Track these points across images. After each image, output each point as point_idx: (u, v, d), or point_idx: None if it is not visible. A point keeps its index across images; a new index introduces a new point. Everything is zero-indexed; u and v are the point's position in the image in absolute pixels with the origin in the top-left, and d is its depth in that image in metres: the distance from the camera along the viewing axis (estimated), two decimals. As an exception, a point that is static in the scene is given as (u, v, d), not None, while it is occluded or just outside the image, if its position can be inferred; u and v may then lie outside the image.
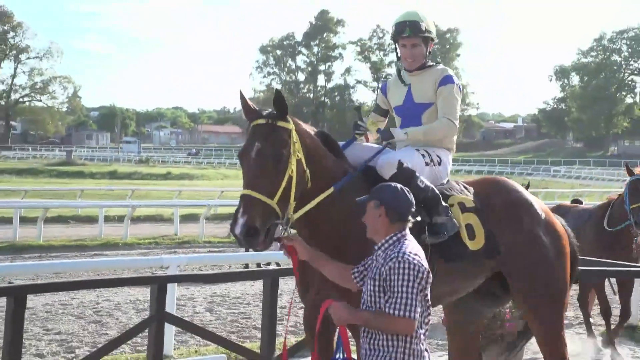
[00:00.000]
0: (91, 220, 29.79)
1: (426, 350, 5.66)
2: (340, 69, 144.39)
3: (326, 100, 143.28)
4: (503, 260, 7.09)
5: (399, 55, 7.37)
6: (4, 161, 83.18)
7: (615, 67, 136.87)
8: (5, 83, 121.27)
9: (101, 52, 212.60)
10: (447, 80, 7.24)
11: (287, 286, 15.36)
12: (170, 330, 10.42)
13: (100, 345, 9.46)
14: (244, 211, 5.88)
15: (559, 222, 7.63)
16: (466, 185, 7.22)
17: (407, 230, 5.77)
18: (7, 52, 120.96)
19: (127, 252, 24.58)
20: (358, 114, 7.28)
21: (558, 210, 13.61)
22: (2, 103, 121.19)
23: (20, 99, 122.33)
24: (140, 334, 9.41)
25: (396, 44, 7.37)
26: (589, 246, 11.93)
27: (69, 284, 11.86)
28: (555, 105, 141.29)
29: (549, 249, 7.26)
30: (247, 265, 16.64)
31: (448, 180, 7.28)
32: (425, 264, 5.59)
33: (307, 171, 6.22)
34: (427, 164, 6.99)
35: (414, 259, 5.51)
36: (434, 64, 7.44)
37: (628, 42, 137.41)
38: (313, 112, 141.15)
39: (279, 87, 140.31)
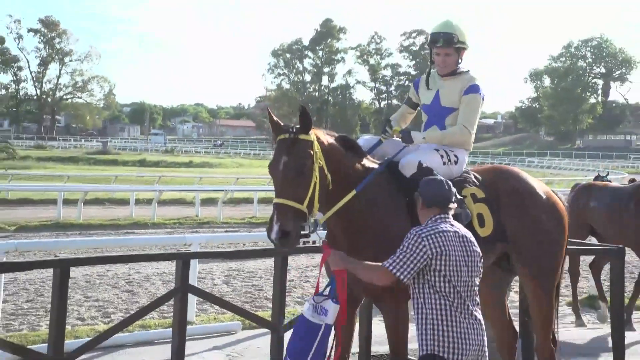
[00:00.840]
0: (124, 202, 29.84)
1: (464, 315, 5.64)
2: (342, 71, 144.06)
3: (329, 98, 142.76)
4: (510, 244, 7.15)
5: (433, 60, 7.30)
6: (50, 150, 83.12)
7: (580, 72, 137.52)
8: (51, 82, 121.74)
9: (133, 52, 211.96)
10: (472, 89, 7.18)
11: (294, 263, 15.43)
12: (192, 300, 10.45)
13: (132, 312, 9.48)
14: (278, 218, 5.92)
15: (560, 202, 7.65)
16: (476, 175, 7.22)
17: (448, 215, 5.87)
18: (54, 56, 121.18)
19: (155, 231, 24.71)
20: (388, 124, 7.21)
21: (590, 189, 13.66)
22: (49, 100, 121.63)
23: (64, 97, 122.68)
24: (166, 303, 9.42)
25: (431, 50, 7.30)
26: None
27: (106, 258, 11.95)
28: (529, 104, 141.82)
29: (553, 231, 7.33)
30: None
31: (462, 173, 7.24)
32: (438, 241, 5.59)
33: (329, 176, 6.23)
34: (444, 163, 6.97)
35: (424, 231, 5.64)
36: (465, 70, 7.30)
37: (591, 50, 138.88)
38: (318, 109, 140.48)
39: (287, 86, 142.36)
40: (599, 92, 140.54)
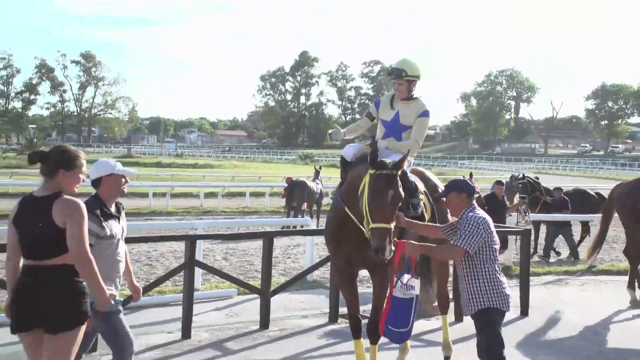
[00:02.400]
0: (144, 195, 29.66)
1: (501, 276, 6.12)
2: (316, 92, 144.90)
3: (306, 113, 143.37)
4: (437, 220, 7.35)
5: (394, 87, 7.39)
6: (87, 155, 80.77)
7: (498, 95, 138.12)
8: (88, 102, 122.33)
9: (149, 76, 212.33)
10: (424, 114, 7.32)
11: (278, 243, 15.38)
12: (198, 272, 10.39)
13: (151, 281, 9.43)
14: (389, 240, 5.77)
15: None
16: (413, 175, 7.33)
17: (475, 203, 6.22)
18: (90, 81, 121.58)
19: (168, 218, 24.55)
20: (374, 145, 6.92)
21: None
22: (86, 115, 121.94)
23: (97, 113, 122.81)
24: (177, 274, 9.36)
25: (389, 77, 7.48)
26: None
27: (130, 239, 11.83)
28: (461, 119, 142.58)
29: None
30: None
31: None
32: (488, 223, 6.00)
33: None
34: (407, 166, 6.97)
35: (477, 217, 5.99)
36: (417, 97, 7.40)
37: (506, 78, 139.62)
38: (296, 122, 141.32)
39: (272, 104, 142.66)
40: (512, 110, 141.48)
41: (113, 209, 5.73)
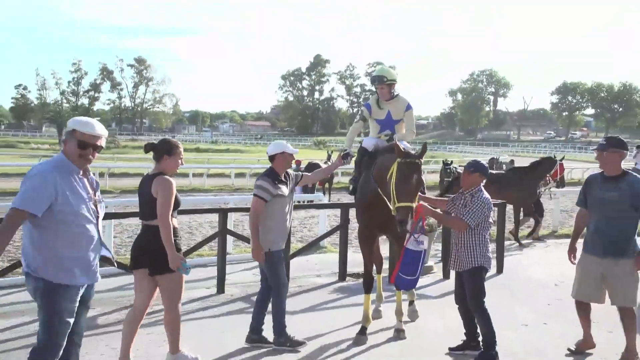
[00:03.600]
0: (185, 175, 29.67)
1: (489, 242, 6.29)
2: (328, 88, 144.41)
3: (319, 106, 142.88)
4: None
5: (377, 92, 7.53)
6: (140, 142, 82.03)
7: (480, 90, 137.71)
8: (140, 98, 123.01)
9: (189, 75, 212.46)
10: (409, 107, 7.47)
11: (297, 215, 15.25)
12: (230, 239, 10.45)
13: (192, 246, 9.41)
14: (411, 215, 6.00)
15: None
16: None
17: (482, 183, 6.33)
18: (142, 81, 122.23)
19: (205, 194, 24.54)
20: (390, 138, 7.27)
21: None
22: (138, 109, 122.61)
23: (147, 107, 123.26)
24: (213, 241, 9.35)
25: (373, 85, 7.59)
26: None
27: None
28: (449, 111, 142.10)
29: None
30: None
31: None
32: (491, 203, 6.25)
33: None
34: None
35: (485, 198, 6.17)
36: (397, 94, 7.48)
37: (486, 77, 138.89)
38: (311, 114, 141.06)
39: (291, 99, 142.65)
40: (491, 103, 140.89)
41: (283, 177, 6.48)
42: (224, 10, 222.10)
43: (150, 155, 5.71)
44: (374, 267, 7.65)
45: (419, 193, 6.36)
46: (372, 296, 7.30)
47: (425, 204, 6.34)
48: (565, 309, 8.00)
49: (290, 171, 6.67)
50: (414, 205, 6.05)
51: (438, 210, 6.53)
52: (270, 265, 6.33)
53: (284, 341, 6.33)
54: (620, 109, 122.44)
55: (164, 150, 5.68)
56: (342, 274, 9.71)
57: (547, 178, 14.76)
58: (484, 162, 6.48)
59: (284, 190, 6.38)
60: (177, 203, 5.65)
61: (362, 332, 6.81)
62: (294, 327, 6.66)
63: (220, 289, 8.66)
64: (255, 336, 6.44)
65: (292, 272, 9.30)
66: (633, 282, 6.06)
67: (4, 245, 4.20)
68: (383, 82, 7.39)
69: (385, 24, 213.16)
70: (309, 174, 7.39)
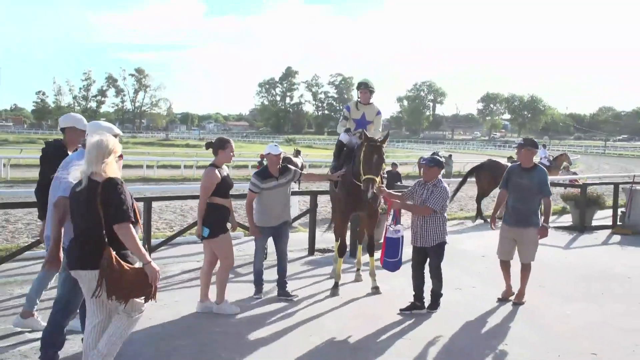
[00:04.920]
0: (177, 167, 29.37)
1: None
2: (297, 94, 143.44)
3: (290, 110, 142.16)
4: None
5: (359, 95, 7.72)
6: (139, 139, 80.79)
7: (421, 98, 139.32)
8: (139, 102, 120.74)
9: (182, 81, 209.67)
10: (379, 113, 7.79)
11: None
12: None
13: (185, 226, 9.29)
14: (372, 185, 6.35)
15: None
16: None
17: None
18: (141, 87, 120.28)
19: (194, 183, 24.18)
20: (360, 135, 7.23)
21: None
22: (137, 112, 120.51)
23: (145, 110, 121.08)
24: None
25: (358, 90, 7.75)
26: None
27: (167, 197, 11.76)
28: (398, 115, 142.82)
29: None
30: None
31: None
32: (448, 191, 6.47)
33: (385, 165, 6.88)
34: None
35: (445, 187, 6.38)
36: (372, 102, 7.75)
37: (426, 86, 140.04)
38: (283, 116, 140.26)
39: (267, 103, 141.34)
40: (430, 109, 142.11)
41: (277, 173, 6.80)
42: (212, 28, 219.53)
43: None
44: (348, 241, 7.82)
45: (387, 190, 6.80)
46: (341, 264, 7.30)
47: (396, 201, 6.63)
48: (491, 275, 8.15)
49: (291, 167, 7.03)
50: (377, 178, 6.41)
51: (409, 202, 6.64)
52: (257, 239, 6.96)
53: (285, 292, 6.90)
54: (529, 115, 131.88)
55: (218, 146, 6.06)
56: (311, 249, 9.70)
57: None
58: (439, 158, 6.66)
59: (272, 184, 6.75)
60: (226, 186, 6.04)
61: (335, 286, 7.21)
62: (276, 290, 6.77)
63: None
64: (281, 290, 6.95)
65: (270, 247, 9.21)
66: (534, 245, 6.87)
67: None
68: (367, 88, 7.63)
69: (344, 40, 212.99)
70: (306, 173, 8.01)
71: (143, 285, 3.89)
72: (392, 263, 6.76)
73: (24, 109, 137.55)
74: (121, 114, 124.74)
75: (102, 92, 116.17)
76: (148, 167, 28.59)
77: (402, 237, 6.75)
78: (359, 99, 7.71)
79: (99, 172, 3.88)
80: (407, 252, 6.86)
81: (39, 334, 5.40)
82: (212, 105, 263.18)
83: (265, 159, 7.07)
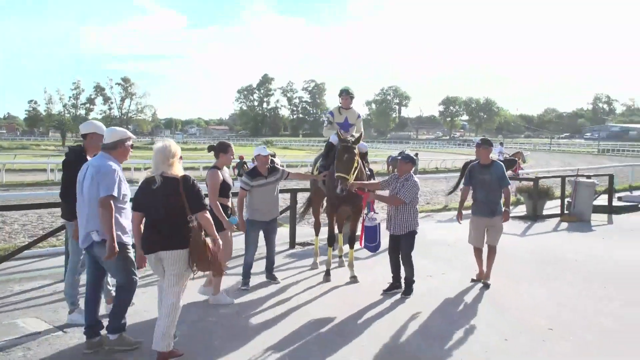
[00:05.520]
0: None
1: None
2: (274, 100, 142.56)
3: (267, 114, 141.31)
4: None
5: (340, 102, 7.77)
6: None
7: (388, 101, 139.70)
8: (126, 109, 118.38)
9: (167, 89, 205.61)
10: (360, 116, 7.88)
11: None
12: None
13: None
14: (340, 183, 6.45)
15: None
16: None
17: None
18: (127, 95, 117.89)
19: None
20: (338, 135, 7.26)
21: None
22: (124, 118, 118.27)
23: (132, 116, 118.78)
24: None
25: (340, 97, 7.77)
26: None
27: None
28: (366, 117, 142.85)
29: None
30: None
31: None
32: (418, 184, 6.54)
33: (357, 164, 6.76)
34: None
35: (415, 181, 6.48)
36: (352, 107, 7.83)
37: (392, 91, 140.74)
38: (261, 120, 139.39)
39: (245, 108, 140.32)
40: (396, 111, 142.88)
41: (266, 173, 6.79)
42: (193, 39, 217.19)
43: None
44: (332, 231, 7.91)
45: (359, 181, 6.80)
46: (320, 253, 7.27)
47: (372, 192, 6.77)
48: (457, 262, 8.24)
49: (279, 167, 7.04)
50: (347, 176, 6.48)
51: (383, 194, 6.85)
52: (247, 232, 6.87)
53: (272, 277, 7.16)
54: (485, 116, 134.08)
55: (220, 150, 6.12)
56: (293, 243, 9.66)
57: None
58: (412, 155, 6.80)
59: (259, 182, 6.74)
60: (226, 187, 6.07)
61: (328, 273, 7.35)
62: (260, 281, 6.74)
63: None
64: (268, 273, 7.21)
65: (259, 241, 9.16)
66: (499, 230, 7.19)
67: None
68: (348, 95, 7.70)
69: (317, 49, 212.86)
70: (294, 173, 7.97)
71: (216, 261, 4.48)
72: (372, 247, 6.94)
73: (17, 117, 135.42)
74: (109, 120, 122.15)
75: (90, 100, 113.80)
76: (135, 169, 28.05)
77: (379, 224, 6.91)
78: (340, 105, 7.77)
79: (166, 171, 4.41)
80: (384, 243, 6.95)
81: (33, 328, 5.30)
82: (194, 111, 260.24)
83: (252, 160, 7.16)
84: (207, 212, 4.49)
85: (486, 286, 7.03)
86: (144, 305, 5.84)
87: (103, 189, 4.43)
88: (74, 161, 5.17)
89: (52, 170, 25.93)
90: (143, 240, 4.49)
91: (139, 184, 4.63)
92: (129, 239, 4.65)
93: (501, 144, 27.56)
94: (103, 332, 4.77)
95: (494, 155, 10.26)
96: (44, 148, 62.26)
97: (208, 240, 4.52)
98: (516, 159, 17.95)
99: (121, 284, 4.66)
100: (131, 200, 4.70)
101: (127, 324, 4.78)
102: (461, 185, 8.37)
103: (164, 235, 4.37)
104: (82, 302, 5.23)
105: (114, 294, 5.19)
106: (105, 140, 4.74)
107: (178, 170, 4.49)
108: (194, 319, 5.64)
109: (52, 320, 5.48)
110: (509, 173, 12.50)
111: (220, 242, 4.57)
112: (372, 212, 6.89)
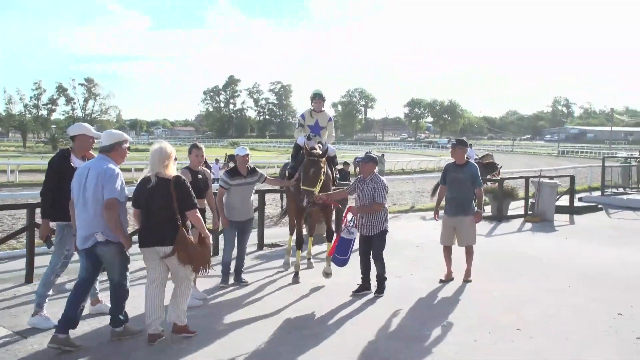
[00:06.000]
0: (127, 170, 28.38)
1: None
2: (240, 101, 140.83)
3: (233, 115, 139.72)
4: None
5: (312, 105, 7.75)
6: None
7: (354, 103, 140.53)
8: (89, 109, 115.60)
9: (131, 90, 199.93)
10: (331, 119, 7.91)
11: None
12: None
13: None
14: (307, 196, 6.57)
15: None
16: None
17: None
18: (91, 96, 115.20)
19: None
20: (311, 135, 7.63)
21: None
22: (88, 119, 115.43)
23: (95, 117, 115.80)
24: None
25: (312, 101, 7.75)
26: None
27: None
28: (334, 118, 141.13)
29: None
30: None
31: None
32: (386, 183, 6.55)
33: (323, 176, 6.81)
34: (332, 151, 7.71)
35: (383, 181, 6.53)
36: (324, 110, 7.85)
37: (358, 93, 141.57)
38: (227, 121, 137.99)
39: (211, 109, 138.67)
40: (362, 113, 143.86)
41: (245, 172, 6.90)
42: (157, 40, 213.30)
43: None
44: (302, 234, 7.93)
45: (323, 196, 6.78)
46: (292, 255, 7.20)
47: (354, 207, 6.67)
48: (425, 262, 8.28)
49: (259, 170, 7.17)
50: (312, 189, 6.55)
51: (362, 205, 6.63)
52: (225, 230, 7.01)
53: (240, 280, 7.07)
54: (449, 118, 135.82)
55: (189, 151, 6.30)
56: (261, 245, 9.57)
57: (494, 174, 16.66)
58: (373, 155, 6.85)
59: (239, 181, 6.86)
60: (197, 187, 5.87)
61: (296, 275, 7.30)
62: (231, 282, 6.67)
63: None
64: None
65: (221, 244, 9.02)
66: (473, 229, 7.29)
67: None
68: (321, 98, 7.73)
69: (282, 50, 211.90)
70: (270, 178, 7.84)
71: (203, 255, 4.80)
72: (341, 260, 6.80)
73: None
74: (72, 120, 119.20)
75: (52, 101, 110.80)
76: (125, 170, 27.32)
77: (354, 239, 6.78)
78: (312, 108, 7.78)
79: (162, 172, 4.71)
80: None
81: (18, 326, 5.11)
82: (159, 112, 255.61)
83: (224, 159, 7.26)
84: (197, 210, 4.79)
85: (467, 282, 7.20)
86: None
87: (108, 191, 4.64)
88: (56, 162, 5.33)
89: (12, 171, 25.10)
90: (140, 235, 4.83)
91: (137, 183, 4.94)
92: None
93: (470, 146, 28.08)
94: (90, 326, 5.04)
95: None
96: (4, 149, 60.60)
97: (191, 237, 4.79)
98: (496, 163, 18.10)
99: (118, 281, 4.84)
100: (129, 198, 4.97)
101: (128, 315, 5.00)
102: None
103: (158, 232, 4.69)
104: (46, 307, 5.31)
105: (99, 296, 5.61)
106: (103, 143, 4.91)
107: (172, 170, 4.79)
108: (163, 320, 5.49)
109: (12, 326, 5.28)
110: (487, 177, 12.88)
111: (210, 240, 4.91)
112: (353, 226, 6.68)
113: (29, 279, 6.91)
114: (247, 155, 6.97)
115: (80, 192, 4.72)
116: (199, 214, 4.82)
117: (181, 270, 4.83)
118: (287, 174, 7.71)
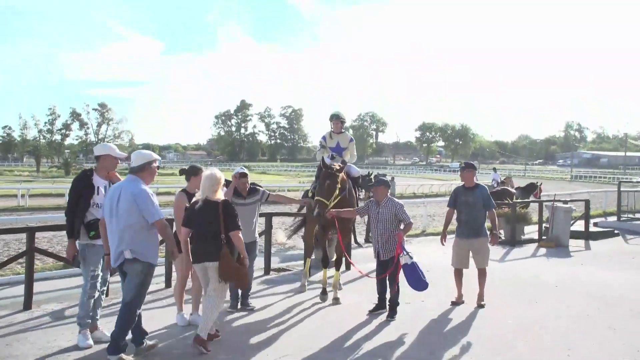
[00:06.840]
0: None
1: None
2: (251, 125, 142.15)
3: (245, 139, 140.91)
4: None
5: (332, 126, 7.98)
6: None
7: (365, 127, 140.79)
8: (102, 134, 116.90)
9: (144, 114, 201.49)
10: (352, 140, 8.16)
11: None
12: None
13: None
14: (318, 206, 6.63)
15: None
16: None
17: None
18: (104, 121, 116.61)
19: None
20: (334, 157, 7.89)
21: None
22: (101, 143, 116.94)
23: (109, 141, 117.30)
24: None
25: (330, 122, 7.98)
26: None
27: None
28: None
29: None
30: None
31: None
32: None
33: (338, 191, 6.84)
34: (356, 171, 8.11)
35: (399, 202, 6.64)
36: (344, 131, 8.14)
37: (370, 117, 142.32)
38: (239, 145, 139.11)
39: (223, 133, 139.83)
40: (373, 136, 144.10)
41: (245, 193, 6.88)
42: (170, 65, 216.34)
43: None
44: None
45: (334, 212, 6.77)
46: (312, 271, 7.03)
47: (400, 233, 6.51)
48: (437, 290, 8.07)
49: (259, 188, 7.03)
50: (326, 201, 6.62)
51: (401, 228, 6.61)
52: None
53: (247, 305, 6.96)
54: (460, 142, 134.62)
55: (191, 173, 6.15)
56: (268, 269, 9.41)
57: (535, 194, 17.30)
58: (383, 178, 6.96)
59: (241, 201, 6.75)
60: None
61: (324, 291, 7.34)
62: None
63: (168, 284, 8.10)
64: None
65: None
66: (486, 252, 7.25)
67: None
68: (339, 119, 7.91)
69: (293, 75, 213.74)
70: (275, 194, 8.02)
71: (242, 273, 5.14)
72: (419, 285, 6.46)
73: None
74: (85, 145, 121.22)
75: (66, 126, 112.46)
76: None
77: (415, 262, 6.47)
78: (332, 129, 7.93)
79: (210, 196, 5.15)
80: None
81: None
82: (171, 136, 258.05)
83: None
84: (240, 232, 5.14)
85: (480, 307, 7.04)
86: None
87: (150, 214, 4.80)
88: (77, 181, 5.48)
89: (22, 196, 25.26)
90: (192, 252, 5.22)
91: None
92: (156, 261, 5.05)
93: (495, 169, 28.67)
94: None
95: (488, 182, 10.25)
96: (18, 174, 61.14)
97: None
98: (535, 182, 18.84)
99: (130, 301, 4.81)
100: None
101: (127, 345, 4.88)
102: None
103: (207, 249, 5.09)
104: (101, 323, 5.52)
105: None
106: (133, 164, 5.07)
107: (219, 195, 5.21)
108: (172, 341, 5.45)
109: (3, 356, 5.06)
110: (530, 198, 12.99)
111: (247, 260, 5.25)
112: (405, 252, 6.44)
113: (27, 306, 6.66)
114: (244, 174, 6.81)
115: (112, 213, 4.81)
116: (241, 235, 5.14)
117: (217, 286, 5.13)
118: (310, 194, 7.86)
